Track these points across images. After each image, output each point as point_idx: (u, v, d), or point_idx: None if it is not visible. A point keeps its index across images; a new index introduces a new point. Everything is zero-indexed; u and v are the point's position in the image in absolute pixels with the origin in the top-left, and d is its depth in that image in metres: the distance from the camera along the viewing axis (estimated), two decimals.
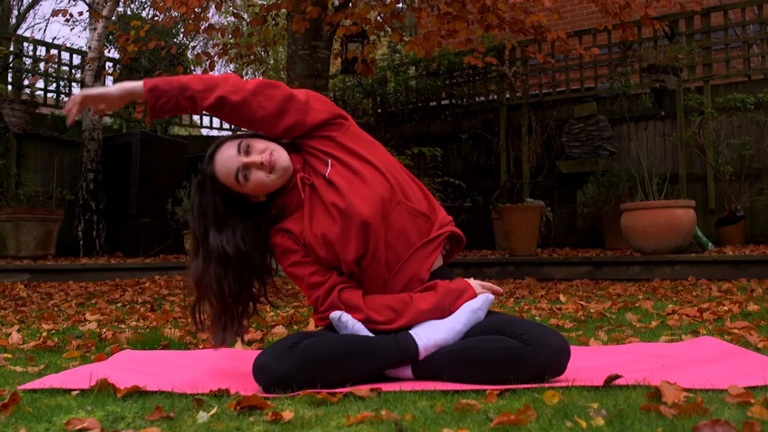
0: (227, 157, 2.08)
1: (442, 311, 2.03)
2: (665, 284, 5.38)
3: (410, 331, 1.98)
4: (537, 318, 3.48)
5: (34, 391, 1.88)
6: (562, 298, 4.44)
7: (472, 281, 2.12)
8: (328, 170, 2.09)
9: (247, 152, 2.07)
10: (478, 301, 2.05)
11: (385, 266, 2.07)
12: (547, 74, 8.88)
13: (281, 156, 2.09)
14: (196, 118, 12.07)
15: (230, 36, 7.26)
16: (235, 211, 2.13)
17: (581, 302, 4.14)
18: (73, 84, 9.81)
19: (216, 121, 11.58)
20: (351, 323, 2.00)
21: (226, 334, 2.10)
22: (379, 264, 2.06)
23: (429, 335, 1.96)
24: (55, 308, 4.48)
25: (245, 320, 2.17)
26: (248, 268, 2.13)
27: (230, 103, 2.05)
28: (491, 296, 2.08)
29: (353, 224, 2.02)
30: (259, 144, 2.09)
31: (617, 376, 1.81)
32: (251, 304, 2.19)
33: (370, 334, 2.00)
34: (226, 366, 2.31)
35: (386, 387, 1.82)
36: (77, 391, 1.85)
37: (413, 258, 2.09)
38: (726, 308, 3.50)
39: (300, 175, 2.12)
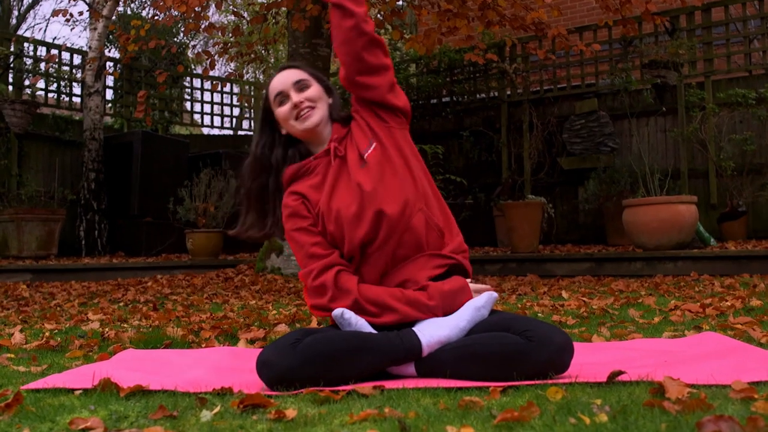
0: (286, 77, 2.25)
1: (443, 309, 2.04)
2: (668, 280, 5.37)
3: (414, 328, 1.98)
4: (539, 315, 3.48)
5: (38, 390, 1.88)
6: (564, 294, 4.44)
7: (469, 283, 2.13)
8: (370, 150, 2.15)
9: (300, 89, 2.21)
10: (482, 299, 2.05)
11: (389, 260, 2.08)
12: (547, 71, 8.87)
13: (315, 116, 2.20)
14: (197, 117, 12.07)
15: (230, 35, 7.26)
16: (268, 125, 2.29)
17: (584, 299, 4.14)
18: (74, 84, 9.81)
19: (217, 121, 11.61)
20: (354, 320, 2.00)
21: (267, 220, 2.26)
22: (383, 255, 2.07)
23: (432, 332, 1.96)
24: (58, 308, 4.49)
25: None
26: (268, 175, 2.27)
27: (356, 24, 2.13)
28: (495, 294, 2.07)
29: (370, 210, 2.05)
30: (314, 92, 2.22)
31: (620, 372, 1.80)
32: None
33: (374, 331, 2.00)
34: (229, 364, 2.31)
35: (389, 384, 1.82)
36: (80, 391, 1.85)
37: (416, 262, 2.09)
38: (729, 303, 3.50)
39: (333, 145, 2.19)
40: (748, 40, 7.94)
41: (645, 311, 3.47)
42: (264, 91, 2.32)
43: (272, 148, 2.28)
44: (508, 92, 8.98)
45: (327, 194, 2.13)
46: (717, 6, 7.96)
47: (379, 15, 6.87)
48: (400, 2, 7.73)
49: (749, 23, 7.98)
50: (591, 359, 2.14)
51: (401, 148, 2.17)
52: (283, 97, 2.22)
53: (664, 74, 7.58)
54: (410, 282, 2.08)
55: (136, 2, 13.86)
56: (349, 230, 2.06)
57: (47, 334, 3.14)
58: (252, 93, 11.73)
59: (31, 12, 16.05)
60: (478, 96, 9.36)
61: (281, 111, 2.22)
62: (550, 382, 1.79)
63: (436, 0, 6.52)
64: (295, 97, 2.20)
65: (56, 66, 9.57)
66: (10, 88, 8.83)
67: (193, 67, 12.37)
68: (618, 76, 8.09)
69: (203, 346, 2.79)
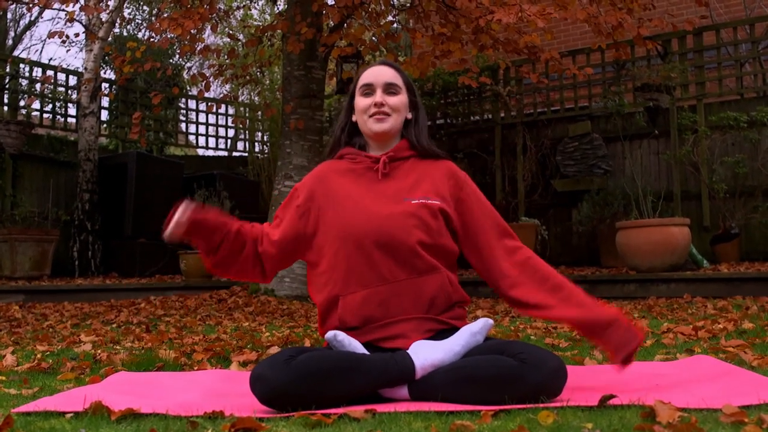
0: (380, 73, 2.26)
1: None
2: (661, 302, 5.38)
3: (408, 350, 1.98)
4: (532, 337, 3.48)
5: (28, 413, 1.87)
6: None
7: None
8: (421, 201, 2.14)
9: (390, 92, 2.23)
10: (478, 324, 2.05)
11: (382, 276, 2.08)
12: (541, 93, 8.92)
13: (388, 124, 2.22)
14: (192, 138, 12.09)
15: (226, 57, 7.30)
16: (349, 109, 2.32)
17: None
18: (69, 104, 9.83)
19: (212, 142, 11.61)
20: (347, 342, 2.01)
21: None
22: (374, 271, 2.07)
23: (426, 355, 1.96)
24: (50, 329, 4.47)
25: None
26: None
27: None
28: (491, 321, 2.08)
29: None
30: (399, 101, 2.24)
31: (612, 396, 1.81)
32: None
33: (367, 353, 2.00)
34: (221, 388, 2.31)
35: (381, 408, 1.82)
36: (71, 414, 1.84)
37: (411, 322, 2.07)
38: (721, 326, 3.50)
39: (384, 159, 2.21)
40: (740, 64, 8.00)
41: None
42: (354, 77, 2.35)
43: (344, 129, 2.32)
44: (502, 115, 9.02)
45: (349, 196, 2.17)
46: (708, 30, 8.03)
47: (373, 38, 6.92)
48: (395, 25, 7.78)
49: (740, 47, 8.05)
50: (583, 382, 2.14)
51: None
52: (369, 90, 2.24)
53: (657, 97, 7.63)
54: (401, 338, 2.06)
55: (132, 24, 13.93)
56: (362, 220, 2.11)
57: (39, 355, 3.13)
58: (247, 114, 11.76)
59: (28, 33, 16.10)
60: (472, 118, 9.40)
61: (361, 101, 2.24)
62: (541, 405, 1.79)
63: (430, 23, 6.58)
64: (380, 96, 2.22)
65: (52, 87, 9.59)
66: (5, 108, 8.84)
67: (188, 88, 12.40)
68: (611, 99, 8.13)
69: (195, 368, 2.78)
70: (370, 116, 2.21)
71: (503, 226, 2.23)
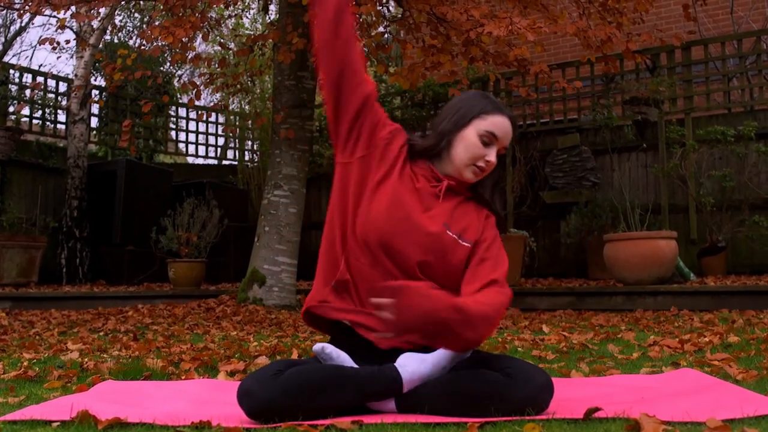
0: (508, 134, 2.15)
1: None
2: (647, 315, 5.41)
3: (396, 364, 1.98)
4: (520, 349, 3.49)
5: (14, 422, 1.87)
6: (545, 328, 4.46)
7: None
8: (455, 232, 2.08)
9: (500, 153, 2.16)
10: None
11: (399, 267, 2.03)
12: (530, 105, 8.97)
13: (477, 179, 2.16)
14: (181, 146, 12.08)
15: (217, 66, 7.31)
16: (454, 127, 2.16)
17: (564, 333, 4.16)
18: (59, 111, 9.82)
19: (202, 150, 11.59)
20: (335, 354, 2.01)
21: None
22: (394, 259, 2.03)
23: (414, 368, 1.96)
24: (37, 337, 4.45)
25: None
26: None
27: None
28: None
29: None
30: (495, 154, 2.15)
31: (597, 409, 1.82)
32: None
33: (355, 365, 2.00)
34: (208, 397, 2.31)
35: (368, 419, 1.82)
36: (58, 423, 1.84)
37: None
38: (707, 339, 3.53)
39: (447, 184, 2.13)
40: (727, 79, 8.08)
41: (624, 346, 3.49)
42: (478, 107, 2.15)
43: (446, 142, 2.16)
44: None
45: (390, 191, 2.06)
46: (697, 45, 8.11)
47: (364, 48, 6.94)
48: (386, 36, 7.81)
49: (728, 62, 8.12)
50: (569, 395, 2.16)
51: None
52: (491, 141, 2.11)
53: (645, 111, 7.69)
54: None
55: (124, 32, 13.92)
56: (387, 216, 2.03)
57: (25, 363, 3.12)
58: (237, 123, 11.76)
59: (18, 39, 16.05)
60: None
61: (476, 146, 2.11)
62: (527, 418, 1.80)
63: (420, 35, 6.61)
64: (493, 156, 2.12)
65: (41, 93, 9.57)
66: None
67: (179, 96, 12.40)
68: (600, 112, 8.19)
69: (183, 378, 2.78)
70: (473, 165, 2.12)
71: (495, 270, 2.08)
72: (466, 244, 2.08)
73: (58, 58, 30.13)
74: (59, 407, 2.02)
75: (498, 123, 2.12)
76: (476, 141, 2.11)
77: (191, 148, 11.66)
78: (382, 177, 2.08)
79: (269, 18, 9.68)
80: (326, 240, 2.13)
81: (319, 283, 2.13)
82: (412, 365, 1.97)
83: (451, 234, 2.06)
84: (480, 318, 1.87)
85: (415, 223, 2.03)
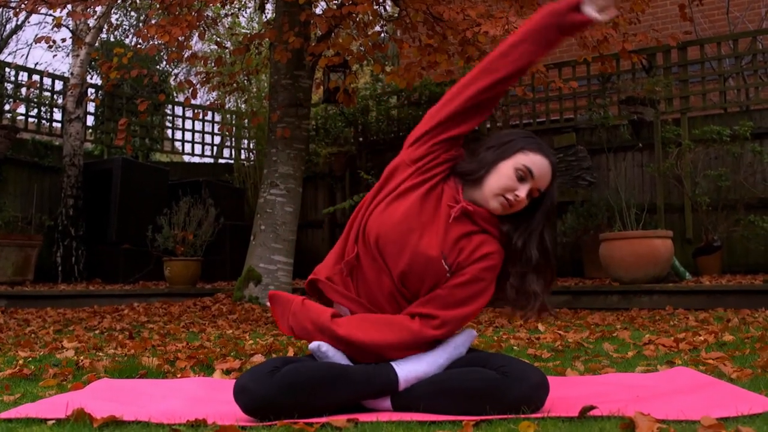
0: (546, 174, 2.07)
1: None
2: (643, 314, 5.42)
3: (392, 362, 1.99)
4: (515, 348, 3.50)
5: (10, 420, 1.87)
6: (540, 327, 4.46)
7: None
8: (456, 259, 2.04)
9: (533, 194, 2.06)
10: (462, 337, 2.07)
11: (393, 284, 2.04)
12: (527, 105, 8.98)
13: (505, 213, 2.07)
14: (178, 145, 12.06)
15: (213, 64, 7.30)
16: (494, 155, 2.10)
17: (559, 332, 4.16)
18: (55, 109, 9.80)
19: (198, 149, 11.58)
20: (332, 353, 2.01)
21: None
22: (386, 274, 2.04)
23: (410, 367, 1.97)
24: (32, 335, 4.45)
25: None
26: None
27: None
28: (474, 332, 2.10)
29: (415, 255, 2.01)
30: (527, 192, 2.06)
31: (592, 407, 1.82)
32: None
33: (351, 364, 2.01)
34: (204, 395, 2.31)
35: (363, 417, 1.83)
36: (53, 421, 1.84)
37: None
38: (702, 338, 3.54)
39: (466, 208, 2.06)
40: (723, 79, 8.09)
41: (619, 345, 3.50)
42: (522, 143, 2.10)
43: (485, 171, 2.08)
44: (488, 125, 9.06)
45: (412, 207, 2.04)
46: (693, 45, 8.12)
47: (361, 48, 6.94)
48: (383, 35, 7.82)
49: (724, 62, 8.14)
50: (564, 393, 2.16)
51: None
52: (525, 176, 2.05)
53: (641, 110, 7.70)
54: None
55: (120, 30, 13.90)
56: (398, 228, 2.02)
57: (21, 361, 3.12)
58: (233, 122, 11.75)
59: (14, 37, 16.02)
60: None
61: (509, 176, 2.04)
62: (522, 416, 1.81)
63: (417, 34, 6.61)
64: (522, 192, 2.04)
65: (37, 91, 9.55)
66: None
67: (175, 94, 12.38)
68: (596, 112, 8.20)
69: (179, 376, 2.78)
70: (501, 196, 2.04)
71: (444, 306, 2.02)
72: (458, 281, 2.04)
73: (54, 56, 30.11)
74: (55, 405, 2.01)
75: (537, 162, 2.06)
76: (511, 173, 2.05)
77: (187, 147, 11.65)
78: (411, 187, 2.07)
79: (266, 17, 9.69)
80: (351, 219, 2.15)
81: (330, 259, 2.15)
82: (408, 364, 1.98)
83: (444, 265, 2.01)
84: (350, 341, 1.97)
85: (415, 241, 2.01)
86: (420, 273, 2.00)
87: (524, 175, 2.04)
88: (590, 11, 2.02)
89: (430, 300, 2.02)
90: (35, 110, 9.62)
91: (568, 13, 2.04)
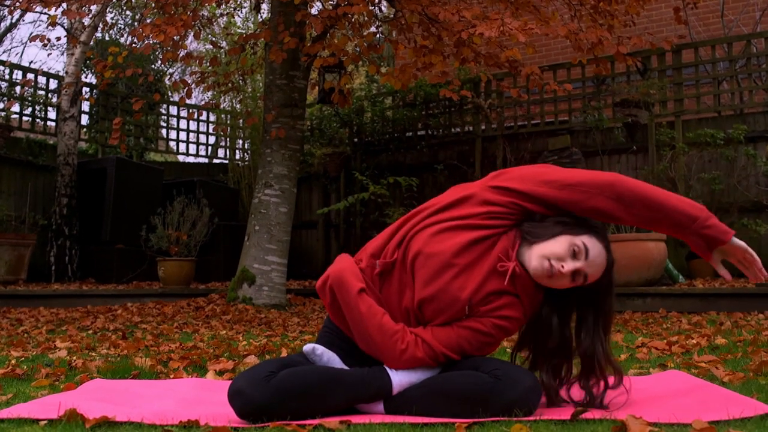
0: (599, 268, 2.02)
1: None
2: (636, 316, 5.43)
3: (385, 366, 1.99)
4: (508, 350, 3.50)
5: (2, 420, 1.86)
6: None
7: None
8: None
9: (578, 280, 2.00)
10: None
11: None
12: (522, 107, 8.99)
13: (545, 284, 2.04)
14: (172, 145, 12.04)
15: (208, 64, 7.29)
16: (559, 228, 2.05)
17: None
18: (49, 108, 9.77)
19: (192, 149, 11.55)
20: (326, 356, 2.02)
21: None
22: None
23: (404, 371, 1.98)
24: (25, 335, 4.43)
25: None
26: None
27: None
28: None
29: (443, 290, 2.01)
30: (572, 273, 2.01)
31: (584, 410, 1.83)
32: None
33: (345, 367, 2.01)
34: (196, 396, 2.31)
35: (356, 419, 1.83)
36: (45, 422, 1.84)
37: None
38: (694, 341, 3.55)
39: (515, 268, 2.02)
40: (717, 82, 8.11)
41: (612, 348, 3.50)
42: (587, 226, 2.04)
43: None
44: (483, 127, 9.07)
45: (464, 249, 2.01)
46: (687, 48, 8.14)
47: (356, 48, 6.94)
48: (378, 36, 7.82)
49: (718, 65, 8.16)
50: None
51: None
52: (578, 254, 1.99)
53: (636, 113, 7.72)
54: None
55: (115, 29, 13.87)
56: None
57: (13, 361, 3.11)
58: (228, 122, 11.73)
59: (8, 36, 15.98)
60: (453, 130, 9.44)
61: (562, 247, 1.99)
62: (514, 419, 1.81)
63: (412, 35, 6.61)
64: (568, 266, 1.97)
65: (32, 90, 9.53)
66: None
67: (170, 94, 12.36)
68: (590, 114, 8.21)
69: (171, 376, 2.77)
70: (546, 261, 1.98)
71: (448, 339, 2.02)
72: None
73: (48, 55, 29.99)
74: (47, 406, 2.01)
75: (596, 249, 2.01)
76: (566, 245, 1.99)
77: (182, 147, 11.63)
78: (470, 225, 2.02)
79: (261, 17, 9.67)
80: (405, 218, 2.14)
81: (377, 246, 2.12)
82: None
83: (465, 310, 2.00)
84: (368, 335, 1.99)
85: (449, 278, 1.99)
86: (440, 307, 2.00)
87: (578, 252, 1.98)
88: (722, 269, 2.27)
89: (438, 333, 2.01)
90: (29, 109, 9.59)
91: (709, 241, 2.21)
